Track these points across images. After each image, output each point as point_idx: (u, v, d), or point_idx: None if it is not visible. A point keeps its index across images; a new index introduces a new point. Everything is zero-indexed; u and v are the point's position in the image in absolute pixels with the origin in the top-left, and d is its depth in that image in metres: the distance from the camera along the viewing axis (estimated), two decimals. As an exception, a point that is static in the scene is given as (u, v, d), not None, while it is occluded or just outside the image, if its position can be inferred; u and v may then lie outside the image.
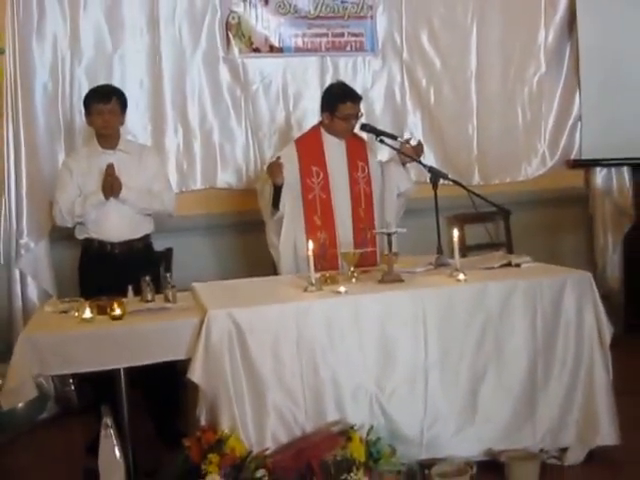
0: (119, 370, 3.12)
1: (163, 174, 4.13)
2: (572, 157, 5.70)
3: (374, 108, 5.19)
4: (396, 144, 4.08)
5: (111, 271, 3.73)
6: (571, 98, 5.64)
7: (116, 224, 3.84)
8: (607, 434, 3.34)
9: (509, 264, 3.66)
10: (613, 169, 5.66)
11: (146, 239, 4.00)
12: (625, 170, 5.65)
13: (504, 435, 3.32)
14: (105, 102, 3.81)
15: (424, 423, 3.24)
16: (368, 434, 3.09)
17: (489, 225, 4.92)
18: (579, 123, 5.65)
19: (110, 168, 3.74)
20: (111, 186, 3.75)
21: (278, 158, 3.89)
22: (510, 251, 4.93)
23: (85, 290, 3.73)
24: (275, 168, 3.82)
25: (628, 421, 3.43)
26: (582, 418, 3.36)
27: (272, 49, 5.00)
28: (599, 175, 5.68)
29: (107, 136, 3.89)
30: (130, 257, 3.85)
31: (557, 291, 3.38)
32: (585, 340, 3.38)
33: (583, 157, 5.65)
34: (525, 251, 3.97)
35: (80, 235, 3.91)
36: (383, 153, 4.63)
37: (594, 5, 5.46)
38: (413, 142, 4.13)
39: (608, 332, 3.43)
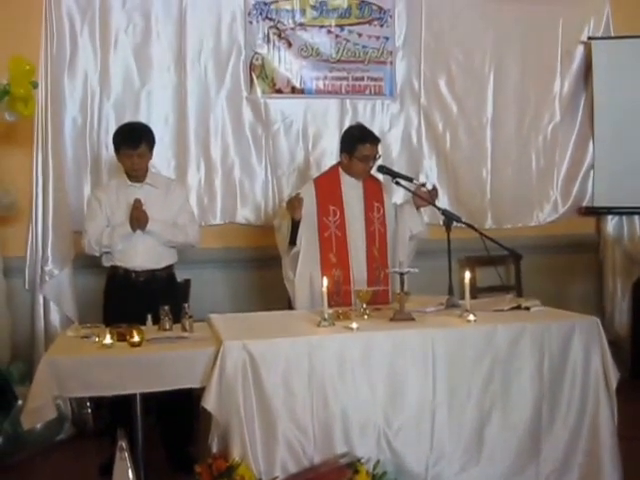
0: (135, 395, 3.16)
1: (188, 207, 4.18)
2: (584, 204, 5.73)
3: (391, 150, 5.27)
4: (412, 187, 4.13)
5: (134, 299, 3.79)
6: (584, 147, 5.69)
7: (141, 254, 3.89)
8: (610, 478, 3.32)
9: (519, 307, 3.66)
10: (624, 217, 5.68)
11: (169, 269, 4.04)
12: (636, 219, 5.66)
13: (508, 475, 3.30)
14: (134, 148, 3.85)
15: (429, 460, 3.23)
16: (374, 468, 3.10)
17: (500, 268, 4.94)
18: (592, 171, 5.68)
19: (137, 202, 3.80)
20: (138, 220, 3.81)
21: (298, 194, 3.94)
22: (520, 294, 4.98)
23: (109, 315, 3.78)
24: (295, 203, 3.87)
25: (632, 466, 3.42)
26: (586, 461, 3.35)
27: (294, 90, 5.12)
28: (610, 223, 5.70)
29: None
30: (153, 286, 3.89)
31: (565, 335, 3.38)
32: (591, 384, 3.38)
33: (595, 205, 5.67)
34: (535, 295, 3.99)
35: (107, 263, 3.96)
36: (398, 195, 4.72)
37: (610, 56, 5.52)
38: (429, 186, 4.16)
39: (614, 377, 3.42)
